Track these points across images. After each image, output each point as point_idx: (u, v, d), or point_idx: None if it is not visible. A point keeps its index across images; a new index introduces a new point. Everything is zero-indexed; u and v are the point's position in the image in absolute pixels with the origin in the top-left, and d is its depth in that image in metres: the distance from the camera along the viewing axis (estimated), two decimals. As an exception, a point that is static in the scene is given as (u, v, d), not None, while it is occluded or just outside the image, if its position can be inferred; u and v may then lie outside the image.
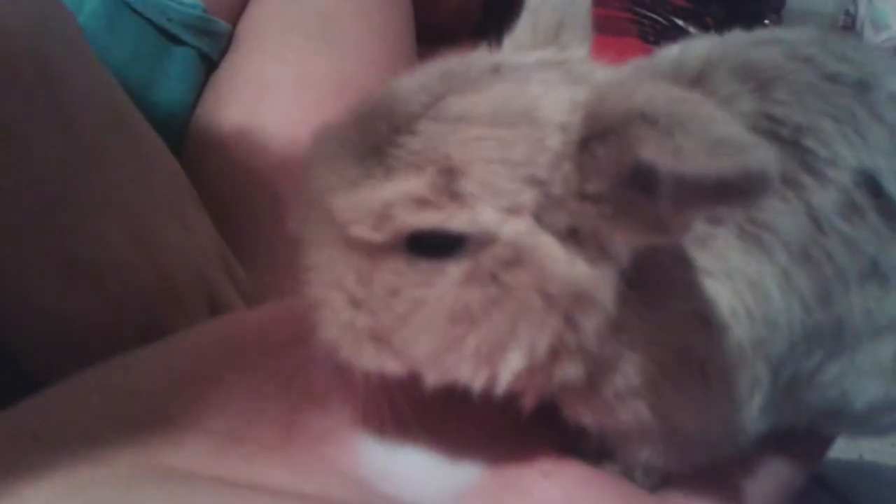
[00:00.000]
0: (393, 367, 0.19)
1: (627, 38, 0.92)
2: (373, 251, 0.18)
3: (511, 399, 0.20)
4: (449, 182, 0.17)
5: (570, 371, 0.19)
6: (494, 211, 0.17)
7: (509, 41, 0.22)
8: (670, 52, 0.23)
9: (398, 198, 0.18)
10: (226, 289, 0.39)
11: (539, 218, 0.18)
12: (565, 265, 0.18)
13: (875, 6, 2.94)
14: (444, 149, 0.18)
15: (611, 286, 0.18)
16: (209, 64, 0.55)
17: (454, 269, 0.18)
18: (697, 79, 0.21)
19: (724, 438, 0.21)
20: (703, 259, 0.20)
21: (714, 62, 0.21)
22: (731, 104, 0.20)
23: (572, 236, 0.18)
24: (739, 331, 0.20)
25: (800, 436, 0.23)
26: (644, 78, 0.19)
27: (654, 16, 1.00)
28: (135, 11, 0.51)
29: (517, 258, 0.18)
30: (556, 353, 0.18)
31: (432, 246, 0.18)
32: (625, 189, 0.17)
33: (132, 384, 0.21)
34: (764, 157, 0.14)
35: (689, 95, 0.16)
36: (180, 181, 0.40)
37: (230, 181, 0.46)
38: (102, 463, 0.18)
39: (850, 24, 3.15)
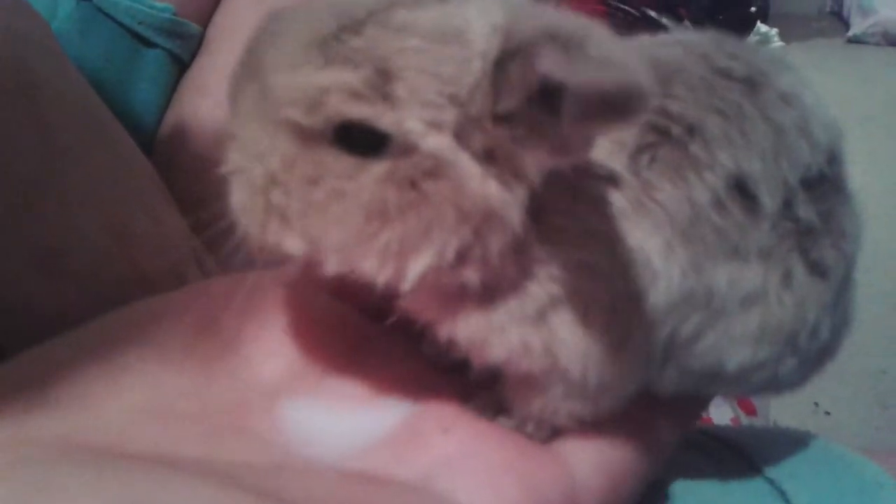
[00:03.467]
0: (293, 246, 0.20)
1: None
2: (301, 136, 0.20)
3: (407, 322, 0.22)
4: (383, 83, 0.19)
5: (471, 277, 0.20)
6: (419, 121, 0.19)
7: None
8: None
9: (334, 86, 0.19)
10: (196, 280, 0.41)
11: (459, 136, 0.19)
12: (479, 184, 0.19)
13: (862, -9, 2.96)
14: (383, 52, 0.19)
15: (519, 208, 0.20)
16: (180, 65, 0.57)
17: (376, 168, 0.19)
18: None
19: (603, 388, 0.23)
20: (596, 219, 0.22)
21: None
22: None
23: (488, 157, 0.19)
24: (618, 283, 0.22)
25: (678, 397, 0.25)
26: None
27: (628, 7, 1.02)
28: (107, 16, 0.53)
29: (435, 170, 0.19)
30: (461, 259, 0.20)
31: (359, 143, 0.19)
32: (533, 108, 0.19)
33: (40, 370, 0.21)
34: (642, 77, 0.16)
35: (594, 25, 0.18)
36: (151, 177, 0.43)
37: (201, 177, 0.49)
38: (20, 444, 0.18)
39: (837, 10, 3.17)
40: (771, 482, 0.27)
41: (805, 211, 0.23)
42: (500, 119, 0.19)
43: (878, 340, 1.37)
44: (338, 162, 0.19)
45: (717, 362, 0.24)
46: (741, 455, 0.28)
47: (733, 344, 0.23)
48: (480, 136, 0.19)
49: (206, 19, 0.58)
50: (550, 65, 0.17)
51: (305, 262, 0.21)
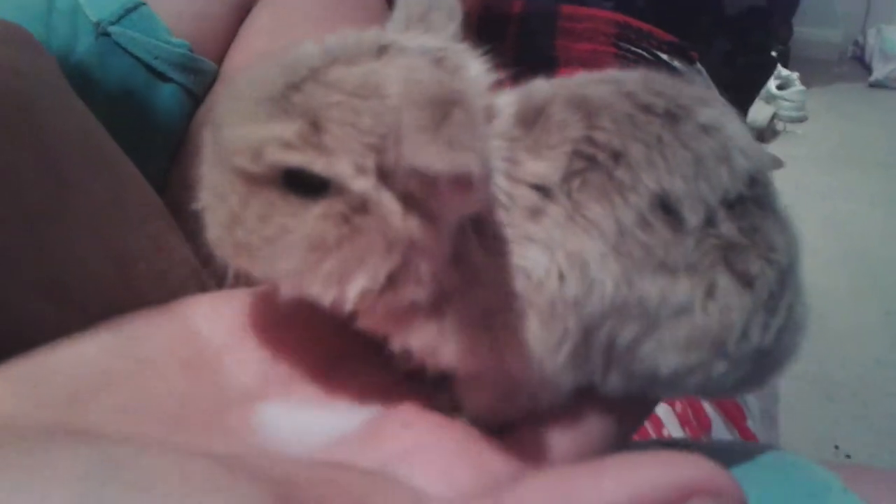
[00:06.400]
0: (259, 274, 0.23)
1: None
2: (251, 180, 0.23)
3: (375, 338, 0.25)
4: (313, 134, 0.21)
5: (416, 294, 0.23)
6: (347, 165, 0.21)
7: (390, 27, 0.27)
8: (531, 84, 0.27)
9: (271, 138, 0.22)
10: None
11: (382, 178, 0.22)
12: (400, 220, 0.22)
13: (884, 36, 2.98)
14: (314, 106, 0.22)
15: (443, 240, 0.22)
16: (195, 99, 0.58)
17: (315, 207, 0.22)
18: (541, 107, 0.25)
19: (543, 384, 0.25)
20: (531, 228, 0.24)
21: (555, 95, 0.25)
22: (563, 129, 0.24)
23: (408, 196, 0.22)
24: (552, 289, 0.24)
25: (627, 399, 0.27)
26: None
27: (639, 50, 1.02)
28: (125, 50, 0.55)
29: (364, 207, 0.22)
30: (394, 281, 0.23)
31: (303, 185, 0.22)
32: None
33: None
34: (473, 163, 0.19)
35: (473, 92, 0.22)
36: (154, 205, 0.43)
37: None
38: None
39: (859, 55, 3.19)
40: None
41: (727, 228, 0.25)
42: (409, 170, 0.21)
43: (901, 386, 1.35)
44: (283, 201, 0.22)
45: (653, 367, 0.26)
46: None
47: (665, 351, 0.25)
48: (398, 181, 0.22)
49: (221, 56, 0.60)
50: (403, 141, 0.20)
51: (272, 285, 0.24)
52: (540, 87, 0.26)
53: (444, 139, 0.19)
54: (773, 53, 2.48)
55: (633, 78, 0.26)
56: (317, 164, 0.21)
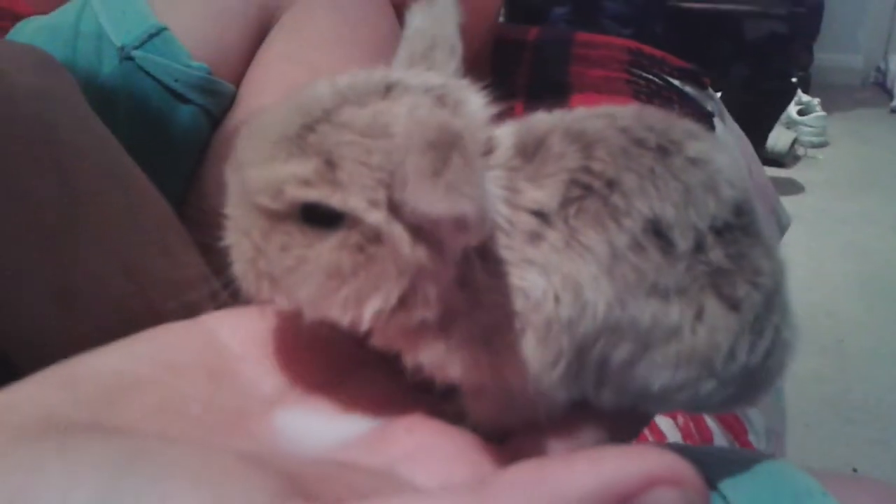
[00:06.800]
0: (282, 302, 0.25)
1: (621, 98, 0.95)
2: (272, 215, 0.24)
3: (387, 353, 0.26)
4: (328, 171, 0.23)
5: (425, 314, 0.24)
6: (361, 200, 0.23)
7: (395, 64, 0.28)
8: (534, 116, 0.28)
9: (290, 177, 0.23)
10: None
11: (392, 211, 0.23)
12: (410, 250, 0.23)
13: (906, 63, 2.96)
14: (329, 146, 0.23)
15: (449, 266, 0.24)
16: (213, 120, 0.61)
17: (332, 238, 0.24)
18: (540, 139, 0.26)
19: (539, 397, 0.26)
20: (530, 251, 0.25)
21: (554, 127, 0.27)
22: (561, 159, 0.26)
23: (416, 228, 0.23)
24: (548, 309, 0.25)
25: (620, 412, 0.28)
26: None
27: (651, 76, 1.03)
28: (147, 73, 0.57)
29: (377, 238, 0.23)
30: (404, 303, 0.24)
31: (320, 218, 0.24)
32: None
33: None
34: (469, 208, 0.21)
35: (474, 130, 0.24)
36: (169, 220, 0.45)
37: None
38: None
39: (880, 80, 3.17)
40: (720, 494, 0.30)
41: (715, 255, 0.26)
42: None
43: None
44: (302, 234, 0.24)
45: (644, 384, 0.27)
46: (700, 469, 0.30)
47: (656, 369, 0.27)
48: (407, 214, 0.23)
49: (238, 78, 0.62)
50: (404, 184, 0.22)
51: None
52: (539, 119, 0.28)
53: (442, 185, 0.21)
54: (794, 79, 2.49)
55: (627, 113, 0.28)
56: (333, 199, 0.23)
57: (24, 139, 0.36)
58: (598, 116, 0.28)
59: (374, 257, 0.23)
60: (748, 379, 0.28)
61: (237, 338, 0.27)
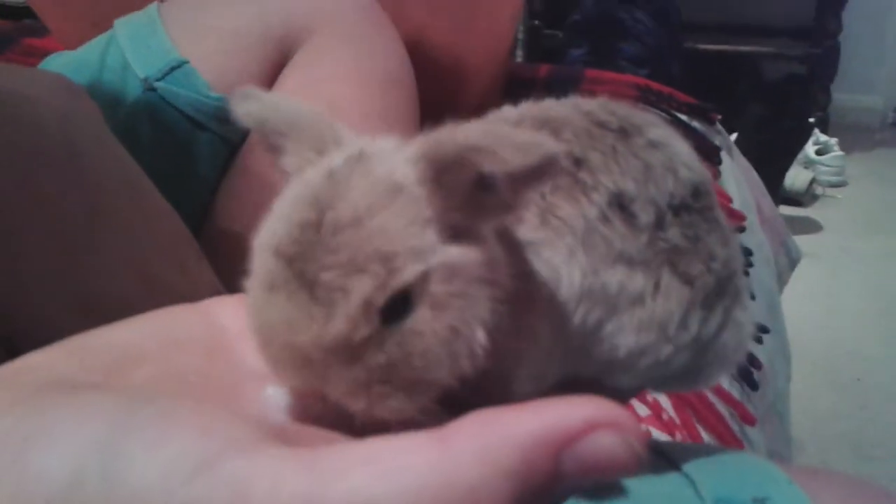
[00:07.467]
0: (404, 405, 0.23)
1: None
2: (353, 344, 0.23)
3: None
4: (385, 265, 0.22)
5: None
6: (415, 257, 0.22)
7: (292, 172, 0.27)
8: (503, 109, 0.30)
9: (363, 301, 0.22)
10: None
11: (440, 236, 0.23)
12: (465, 256, 0.23)
13: (926, 103, 2.95)
14: (362, 247, 0.22)
15: (487, 256, 0.24)
16: (231, 146, 0.64)
17: (421, 312, 0.23)
18: (513, 125, 0.28)
19: (530, 378, 0.28)
20: (518, 230, 0.27)
21: (523, 116, 0.29)
22: None
23: (460, 235, 0.24)
24: (534, 283, 0.27)
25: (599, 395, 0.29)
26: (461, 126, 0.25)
27: (658, 112, 1.05)
28: (169, 103, 0.61)
29: (450, 271, 0.23)
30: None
31: (398, 312, 0.23)
32: (473, 195, 0.23)
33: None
34: (552, 146, 0.22)
35: (490, 126, 0.24)
36: (182, 235, 0.48)
37: (241, 244, 0.54)
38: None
39: (901, 120, 3.15)
40: (685, 475, 0.31)
41: (673, 233, 0.29)
42: (451, 210, 0.23)
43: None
44: (394, 334, 0.23)
45: (613, 349, 0.29)
46: (666, 458, 0.32)
47: (623, 333, 0.28)
48: (447, 228, 0.23)
49: (255, 108, 0.65)
50: (489, 165, 0.22)
51: None
52: (509, 111, 0.30)
53: (516, 146, 0.22)
54: (811, 119, 2.50)
55: (591, 101, 0.30)
56: (396, 280, 0.22)
57: (50, 156, 0.39)
58: (564, 105, 0.30)
59: (456, 291, 0.23)
60: (703, 350, 0.30)
61: (233, 320, 0.29)
